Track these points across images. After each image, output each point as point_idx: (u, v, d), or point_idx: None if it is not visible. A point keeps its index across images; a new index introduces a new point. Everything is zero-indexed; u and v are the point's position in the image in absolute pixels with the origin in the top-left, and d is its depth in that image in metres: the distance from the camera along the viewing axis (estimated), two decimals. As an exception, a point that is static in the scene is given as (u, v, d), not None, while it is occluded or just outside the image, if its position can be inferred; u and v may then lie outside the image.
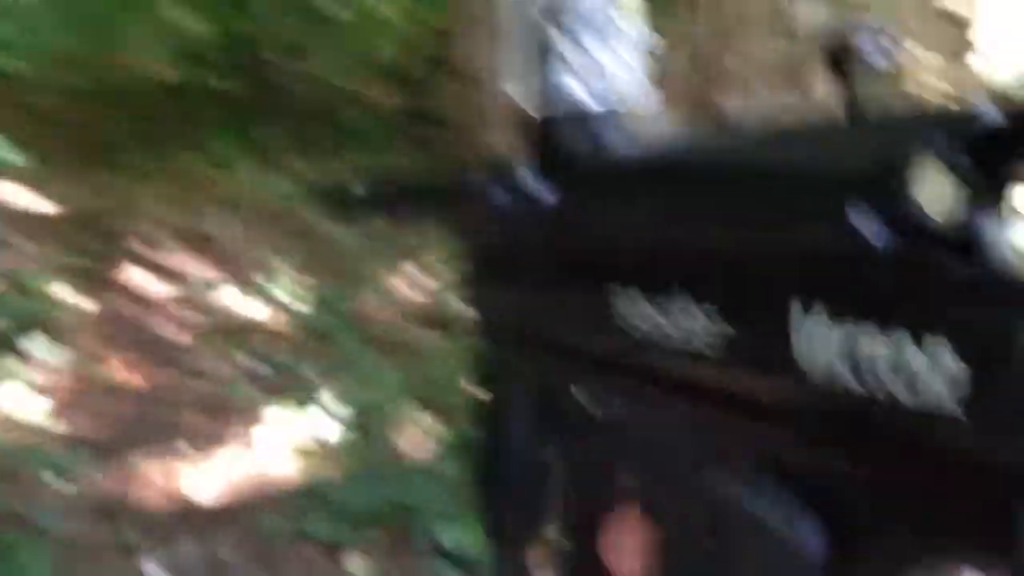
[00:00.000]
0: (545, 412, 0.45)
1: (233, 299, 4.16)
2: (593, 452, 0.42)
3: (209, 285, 4.21)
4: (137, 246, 4.48)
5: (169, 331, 3.96)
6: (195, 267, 4.44)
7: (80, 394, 3.40)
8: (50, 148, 5.08)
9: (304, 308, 4.08)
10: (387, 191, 0.60)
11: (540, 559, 0.50)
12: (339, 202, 0.68)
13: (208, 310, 4.10)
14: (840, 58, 0.31)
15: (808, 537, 0.28)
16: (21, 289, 3.88)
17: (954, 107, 0.28)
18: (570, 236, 0.42)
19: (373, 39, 5.99)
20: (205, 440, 3.21)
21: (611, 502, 0.42)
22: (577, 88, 0.43)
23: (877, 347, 0.26)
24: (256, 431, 3.25)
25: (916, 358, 0.24)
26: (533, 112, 0.45)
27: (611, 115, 0.44)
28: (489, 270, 0.50)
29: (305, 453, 3.15)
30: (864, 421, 0.27)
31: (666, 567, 0.35)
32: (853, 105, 0.31)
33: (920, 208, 0.26)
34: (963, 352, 0.24)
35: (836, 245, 0.27)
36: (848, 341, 0.27)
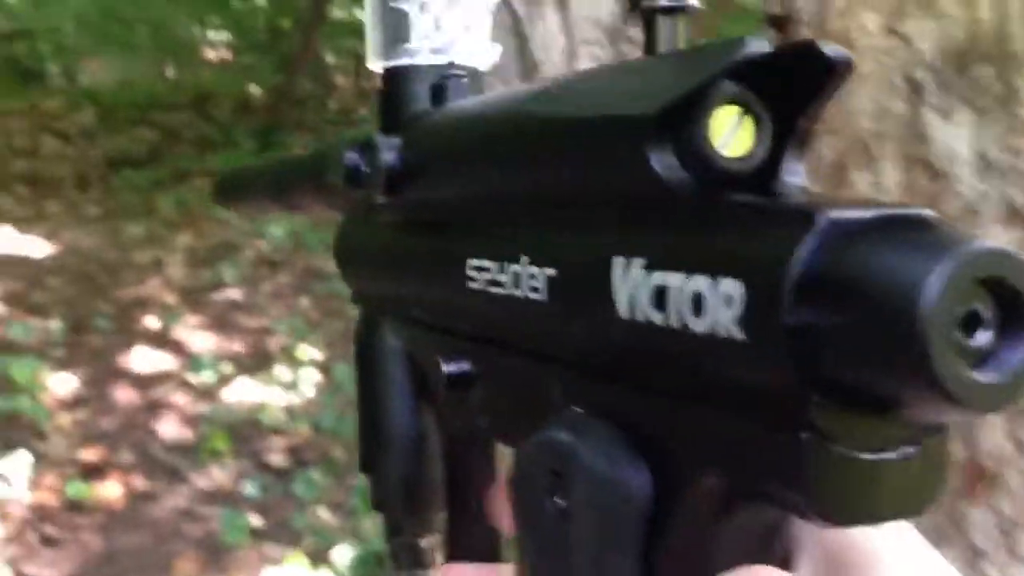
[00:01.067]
0: (417, 383, 0.45)
1: (243, 387, 3.55)
2: (460, 419, 0.40)
3: (217, 365, 3.62)
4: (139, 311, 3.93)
5: (168, 426, 3.37)
6: (203, 338, 3.87)
7: (47, 522, 2.85)
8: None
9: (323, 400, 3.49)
10: (250, 174, 0.60)
11: (434, 539, 0.48)
12: (219, 190, 0.64)
13: (213, 397, 3.52)
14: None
15: (634, 479, 0.28)
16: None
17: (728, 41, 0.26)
18: (408, 196, 0.41)
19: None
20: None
21: (487, 468, 0.44)
22: (420, 46, 0.43)
23: (682, 289, 0.26)
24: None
25: (710, 291, 0.25)
26: (378, 72, 0.45)
27: (450, 69, 0.43)
28: (351, 237, 0.50)
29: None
30: (666, 354, 0.27)
31: (523, 529, 0.33)
32: (651, 46, 0.31)
33: (715, 148, 0.26)
34: (745, 276, 0.24)
35: (641, 193, 0.28)
36: (659, 288, 0.27)
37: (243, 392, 3.58)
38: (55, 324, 3.87)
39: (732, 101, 0.26)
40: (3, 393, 3.38)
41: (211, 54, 7.07)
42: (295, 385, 3.62)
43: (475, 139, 0.38)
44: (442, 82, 0.43)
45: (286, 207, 0.60)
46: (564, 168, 0.31)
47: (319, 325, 4.02)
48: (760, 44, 0.26)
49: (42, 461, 3.15)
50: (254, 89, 6.27)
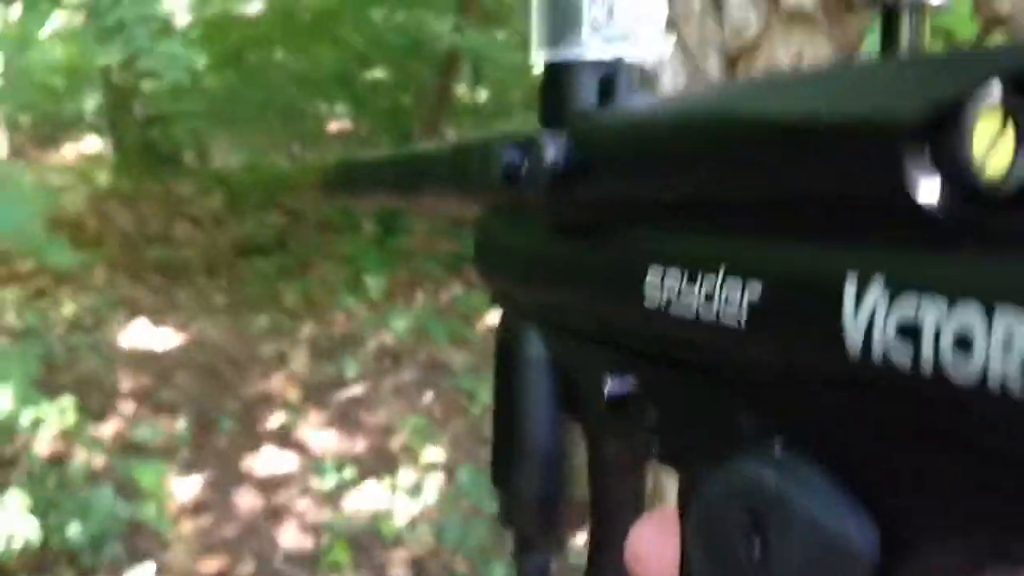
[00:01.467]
0: (561, 395, 0.42)
1: (365, 493, 3.47)
2: (619, 439, 0.38)
3: (340, 469, 3.55)
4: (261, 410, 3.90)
5: (289, 534, 3.30)
6: (326, 437, 3.81)
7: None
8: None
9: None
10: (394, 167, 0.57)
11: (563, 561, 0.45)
12: (331, 181, 0.63)
13: (335, 503, 3.44)
14: None
15: (859, 532, 0.24)
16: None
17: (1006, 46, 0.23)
18: (574, 198, 0.38)
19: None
20: None
21: (637, 495, 0.41)
22: (591, 37, 0.39)
23: (941, 323, 0.21)
24: None
25: (983, 336, 0.20)
26: (543, 65, 0.41)
27: (623, 63, 0.39)
28: (498, 238, 0.46)
29: None
30: (917, 402, 0.23)
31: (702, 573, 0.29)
32: (894, 45, 0.28)
33: (979, 162, 0.23)
34: None
35: (887, 207, 0.23)
36: (907, 318, 0.22)
37: (365, 498, 3.49)
38: (181, 423, 3.87)
39: (996, 109, 0.23)
40: (128, 498, 3.37)
41: (334, 125, 7.15)
42: (418, 490, 3.52)
43: (663, 139, 0.34)
44: (612, 77, 0.40)
45: (410, 203, 0.60)
46: (782, 176, 0.27)
47: (444, 423, 3.92)
48: None
49: (165, 572, 3.11)
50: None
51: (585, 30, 0.39)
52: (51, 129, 9.22)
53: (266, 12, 7.05)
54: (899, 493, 0.24)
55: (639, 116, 0.37)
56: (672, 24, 1.31)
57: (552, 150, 0.37)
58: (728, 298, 0.28)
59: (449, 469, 3.61)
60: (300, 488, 3.57)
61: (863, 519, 0.25)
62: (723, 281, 0.28)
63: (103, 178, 7.27)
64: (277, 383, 4.22)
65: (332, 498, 3.52)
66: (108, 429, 3.84)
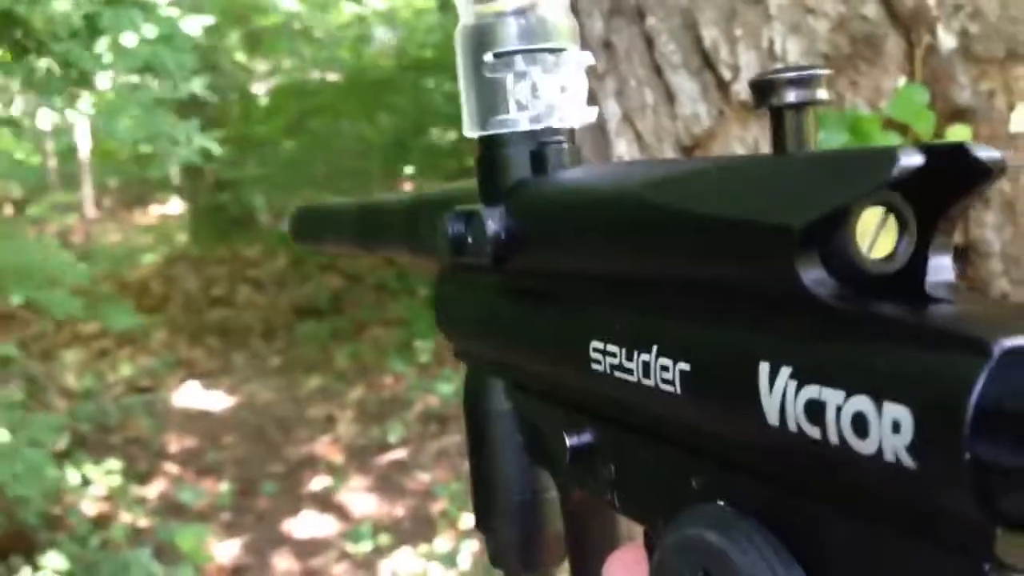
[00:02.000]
0: (529, 443, 0.44)
1: (401, 559, 3.45)
2: (584, 488, 0.40)
3: (377, 535, 3.53)
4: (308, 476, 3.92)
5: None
6: (366, 501, 3.80)
7: None
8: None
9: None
10: (360, 217, 0.60)
11: None
12: (298, 228, 0.66)
13: (371, 568, 3.42)
14: (767, 93, 0.29)
15: None
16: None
17: (875, 148, 0.27)
18: (515, 264, 0.41)
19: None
20: None
21: (610, 533, 0.43)
22: (515, 111, 0.42)
23: (840, 407, 0.25)
24: None
25: (873, 413, 0.24)
26: (475, 140, 0.44)
27: (550, 136, 0.42)
28: (454, 298, 0.49)
29: None
30: (823, 467, 0.26)
31: None
32: (780, 143, 0.30)
33: (863, 254, 0.26)
34: (913, 403, 0.23)
35: (785, 298, 0.27)
36: (813, 399, 0.26)
37: (400, 564, 3.47)
38: (225, 486, 3.91)
39: (878, 203, 0.26)
40: (167, 561, 3.40)
41: (405, 186, 7.25)
42: (453, 558, 3.48)
43: (590, 218, 0.36)
44: (542, 148, 0.42)
45: (370, 254, 0.63)
46: (696, 263, 0.30)
47: (484, 488, 3.90)
48: (913, 158, 0.25)
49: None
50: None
51: (512, 108, 0.42)
52: (139, 190, 9.54)
53: (328, 81, 7.24)
54: (821, 547, 0.27)
55: (566, 193, 0.40)
56: (627, 117, 1.30)
57: (491, 223, 0.41)
58: (663, 371, 0.31)
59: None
60: (337, 553, 3.56)
61: (793, 570, 0.28)
62: (657, 358, 0.31)
63: (182, 238, 7.48)
64: (322, 446, 4.24)
65: (368, 563, 3.50)
66: (153, 490, 3.89)
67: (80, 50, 3.76)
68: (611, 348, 0.34)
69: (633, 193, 0.34)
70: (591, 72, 0.44)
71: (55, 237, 7.34)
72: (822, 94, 0.30)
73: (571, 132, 0.43)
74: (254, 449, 4.23)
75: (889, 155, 0.25)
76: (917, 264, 0.27)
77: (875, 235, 0.26)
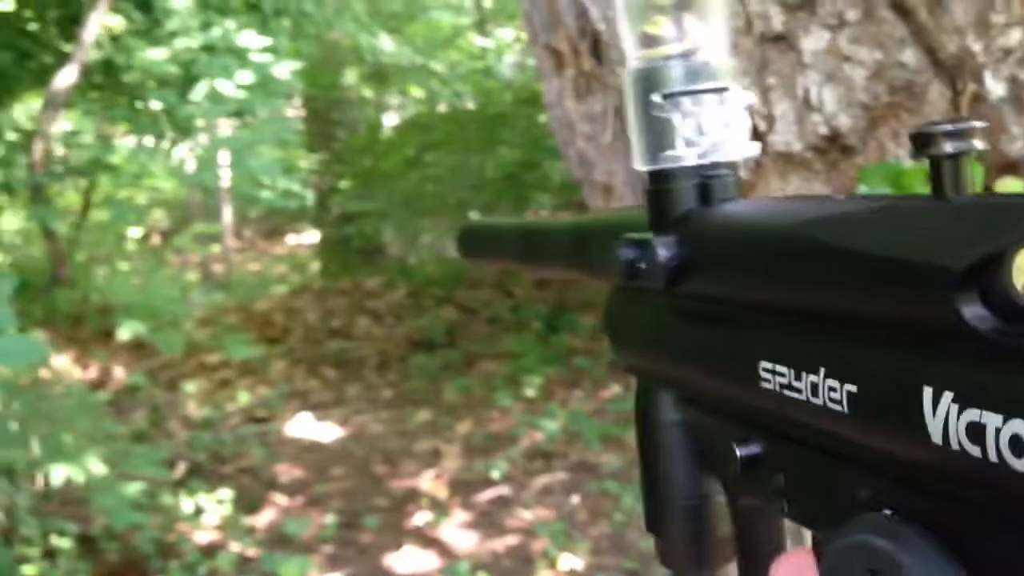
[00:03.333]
0: (698, 451, 0.47)
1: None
2: (752, 495, 0.43)
3: (475, 574, 3.53)
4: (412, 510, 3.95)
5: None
6: (467, 537, 3.80)
7: None
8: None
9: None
10: (526, 237, 0.65)
11: None
12: (464, 243, 0.72)
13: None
14: (926, 144, 0.32)
15: None
16: None
17: None
18: (686, 289, 0.45)
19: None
20: None
21: (777, 537, 0.46)
22: (682, 147, 0.45)
23: (1000, 429, 0.28)
24: None
25: None
26: (644, 173, 0.48)
27: (715, 168, 0.45)
28: (626, 316, 0.52)
29: None
30: (985, 482, 0.29)
31: None
32: (939, 189, 0.32)
33: (1018, 292, 0.29)
34: None
35: (946, 330, 0.29)
36: (974, 422, 0.28)
37: (497, 603, 3.45)
38: (330, 519, 3.97)
39: None
40: (270, 592, 3.47)
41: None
42: (551, 598, 3.45)
43: (761, 251, 0.39)
44: (708, 181, 0.45)
45: (535, 272, 0.68)
46: (862, 297, 0.33)
47: (586, 528, 3.85)
48: None
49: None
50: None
51: (680, 144, 0.45)
52: (277, 221, 9.87)
53: (449, 116, 7.35)
54: (984, 553, 0.30)
55: (735, 224, 0.43)
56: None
57: (663, 250, 0.44)
58: (831, 391, 0.34)
59: (587, 576, 3.53)
60: (435, 589, 3.57)
61: (955, 570, 0.30)
62: (825, 379, 0.34)
63: (314, 266, 7.69)
64: (427, 481, 4.26)
65: (466, 601, 3.50)
66: (261, 520, 3.98)
67: (175, 96, 3.91)
68: (780, 368, 0.37)
69: (802, 230, 0.37)
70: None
71: (196, 268, 7.65)
72: (978, 144, 0.32)
73: (734, 165, 0.46)
74: (360, 482, 4.29)
75: None
76: None
77: None
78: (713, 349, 0.44)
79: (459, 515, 4.00)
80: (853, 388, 0.33)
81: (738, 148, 0.46)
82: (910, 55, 1.12)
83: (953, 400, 0.29)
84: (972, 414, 0.28)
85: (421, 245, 7.53)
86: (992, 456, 0.27)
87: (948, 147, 0.32)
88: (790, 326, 0.38)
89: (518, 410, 4.77)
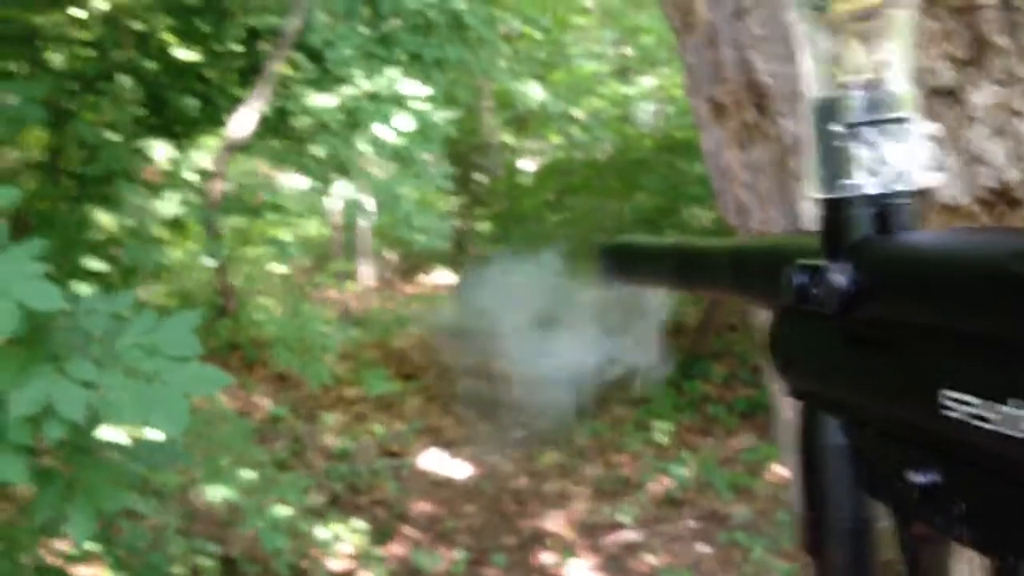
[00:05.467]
0: (864, 476, 0.48)
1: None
2: (928, 523, 0.43)
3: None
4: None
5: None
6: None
7: None
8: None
9: None
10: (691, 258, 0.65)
11: None
12: (608, 265, 0.72)
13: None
14: None
15: None
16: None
17: None
18: (860, 315, 0.44)
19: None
20: None
21: (943, 567, 0.46)
22: (862, 176, 0.46)
23: None
24: None
25: None
26: (822, 200, 0.48)
27: (896, 198, 0.46)
28: (793, 340, 0.52)
29: None
30: None
31: None
32: None
33: None
34: None
35: None
36: None
37: (622, 648, 3.45)
38: (460, 554, 4.04)
39: None
40: (399, 623, 3.55)
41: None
42: (676, 646, 3.43)
43: (951, 277, 0.39)
44: (886, 210, 0.46)
45: (686, 291, 0.69)
46: None
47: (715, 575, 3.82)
48: None
49: None
50: (690, 312, 6.35)
51: (860, 173, 0.46)
52: (416, 261, 10.11)
53: (589, 161, 7.43)
54: None
55: (918, 252, 0.43)
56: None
57: (839, 277, 0.45)
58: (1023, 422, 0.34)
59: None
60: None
61: None
62: (1017, 409, 0.34)
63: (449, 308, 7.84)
64: (555, 521, 4.30)
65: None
66: (394, 552, 4.08)
67: (340, 141, 4.08)
68: (966, 398, 0.37)
69: (998, 262, 0.37)
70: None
71: (334, 305, 7.90)
72: None
73: (914, 194, 0.46)
74: (490, 520, 4.35)
75: None
76: None
77: None
78: (889, 375, 0.43)
79: (586, 557, 4.02)
80: None
81: (918, 178, 0.46)
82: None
83: None
84: None
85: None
86: None
87: None
88: (980, 355, 0.37)
89: (648, 455, 4.77)
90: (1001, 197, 1.22)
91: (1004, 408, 0.35)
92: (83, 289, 3.43)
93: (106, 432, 2.32)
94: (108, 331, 2.05)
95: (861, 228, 0.46)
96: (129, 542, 3.28)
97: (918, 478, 0.41)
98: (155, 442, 2.61)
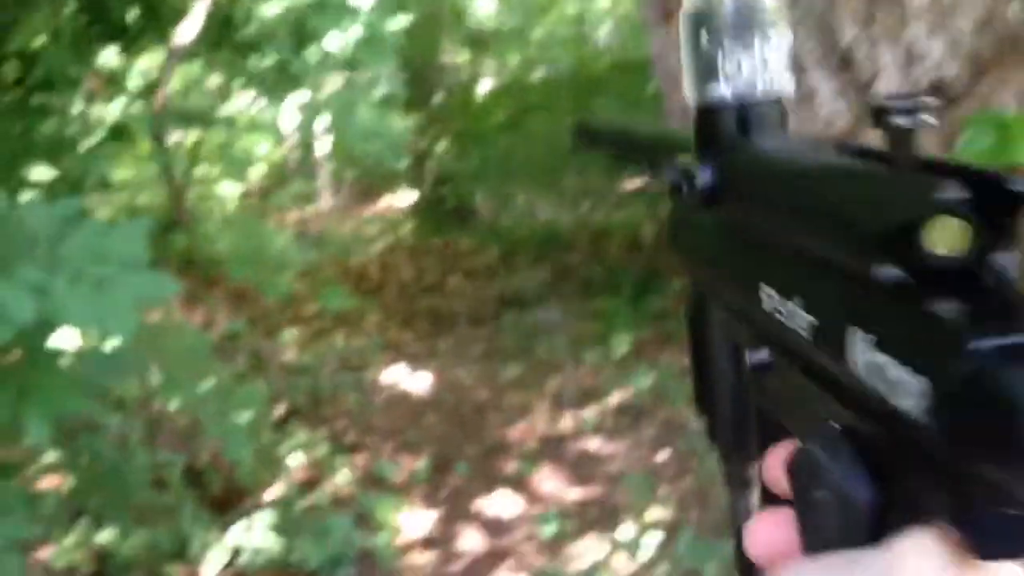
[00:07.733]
0: (735, 352, 0.53)
1: (584, 545, 3.53)
2: (759, 397, 0.49)
3: (563, 520, 3.63)
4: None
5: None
6: (556, 486, 3.91)
7: None
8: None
9: None
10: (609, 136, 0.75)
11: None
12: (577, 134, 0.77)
13: (555, 552, 3.52)
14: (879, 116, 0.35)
15: (859, 486, 0.36)
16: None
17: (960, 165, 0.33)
18: (721, 212, 0.50)
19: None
20: None
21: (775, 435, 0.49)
22: (725, 83, 0.49)
23: (887, 369, 0.32)
24: None
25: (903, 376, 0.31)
26: (692, 104, 0.52)
27: (753, 104, 0.50)
28: (677, 227, 0.58)
29: None
30: (883, 414, 0.33)
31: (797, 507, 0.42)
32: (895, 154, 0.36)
33: (935, 254, 0.31)
34: (923, 367, 0.30)
35: (869, 281, 0.34)
36: (877, 364, 0.33)
37: (583, 550, 3.56)
38: (422, 463, 4.11)
39: (948, 211, 0.31)
40: (364, 528, 3.63)
41: (629, 184, 7.31)
42: (636, 547, 3.54)
43: (765, 187, 0.46)
44: (746, 114, 0.50)
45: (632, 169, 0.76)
46: (824, 246, 0.39)
47: (672, 482, 3.92)
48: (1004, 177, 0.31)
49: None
50: (647, 229, 6.40)
51: (724, 80, 0.50)
52: (372, 181, 10.05)
53: (543, 81, 7.40)
54: (892, 475, 0.35)
55: (757, 159, 0.49)
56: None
57: (701, 177, 0.50)
58: (800, 319, 0.39)
59: (671, 528, 3.61)
60: (524, 534, 3.69)
61: (864, 478, 0.36)
62: (797, 308, 0.40)
63: (407, 227, 7.85)
64: (517, 432, 4.38)
65: (552, 547, 3.61)
66: (357, 462, 4.14)
67: (289, 52, 4.03)
68: (772, 293, 0.42)
69: (793, 178, 0.44)
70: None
71: (293, 225, 7.86)
72: (929, 120, 0.35)
73: (776, 101, 0.50)
74: (452, 431, 4.42)
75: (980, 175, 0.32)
76: (978, 261, 0.32)
77: (948, 236, 0.32)
78: (734, 266, 0.49)
79: (548, 465, 4.10)
80: (813, 321, 0.38)
81: (779, 85, 0.50)
82: (1017, 6, 1.17)
83: (872, 344, 0.33)
84: (879, 357, 0.32)
85: (513, 207, 7.62)
86: (884, 392, 0.32)
87: (901, 121, 0.35)
88: (783, 255, 0.42)
89: (608, 369, 4.85)
90: (939, 93, 1.25)
91: (790, 304, 0.40)
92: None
93: (59, 339, 2.32)
94: (53, 236, 2.02)
95: (726, 131, 0.50)
96: (93, 451, 3.30)
97: (751, 356, 0.47)
98: (107, 352, 2.62)
